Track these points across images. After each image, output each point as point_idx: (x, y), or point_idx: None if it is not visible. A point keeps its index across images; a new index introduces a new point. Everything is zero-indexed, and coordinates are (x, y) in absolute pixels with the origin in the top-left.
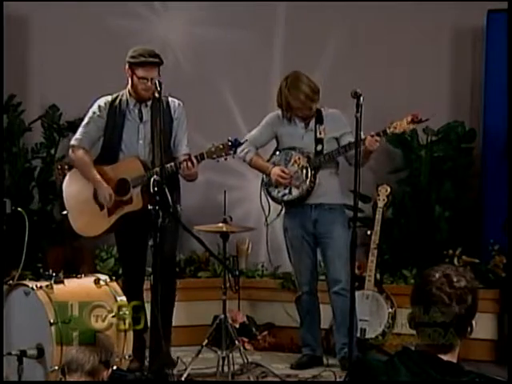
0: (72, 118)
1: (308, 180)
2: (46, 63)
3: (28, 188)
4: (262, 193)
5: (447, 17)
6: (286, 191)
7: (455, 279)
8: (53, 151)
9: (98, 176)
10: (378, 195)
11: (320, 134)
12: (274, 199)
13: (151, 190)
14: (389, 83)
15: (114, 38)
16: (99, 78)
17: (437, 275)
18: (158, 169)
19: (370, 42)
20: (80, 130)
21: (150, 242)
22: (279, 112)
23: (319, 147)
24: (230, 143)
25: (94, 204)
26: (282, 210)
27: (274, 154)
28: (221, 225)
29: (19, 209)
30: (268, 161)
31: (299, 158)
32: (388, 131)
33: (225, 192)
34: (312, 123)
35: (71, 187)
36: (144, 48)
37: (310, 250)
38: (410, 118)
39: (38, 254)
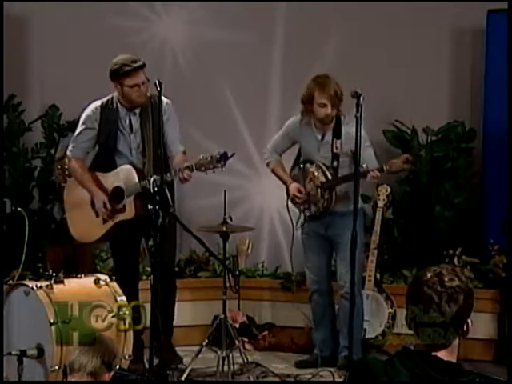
0: (72, 118)
1: (323, 199)
2: (46, 63)
3: (28, 188)
4: (289, 201)
5: (447, 17)
6: (306, 205)
7: (447, 278)
8: (53, 151)
9: (93, 185)
10: (378, 195)
11: (336, 148)
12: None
13: (151, 190)
14: (389, 83)
15: (115, 38)
16: (99, 78)
17: (429, 274)
18: (150, 178)
19: (369, 41)
20: (72, 140)
21: (151, 242)
22: (299, 117)
23: (335, 163)
24: (218, 156)
25: (90, 210)
26: (299, 218)
27: (294, 165)
28: (221, 225)
29: (19, 209)
30: (291, 170)
31: (315, 176)
32: (384, 168)
33: (225, 192)
34: (329, 135)
35: (71, 192)
36: (123, 57)
37: (321, 251)
38: (404, 158)
39: (38, 254)
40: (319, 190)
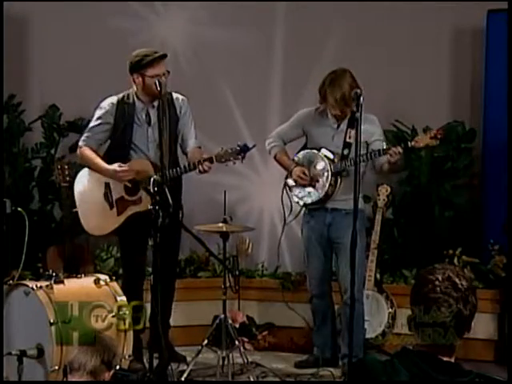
0: (72, 118)
1: (328, 184)
2: (45, 63)
3: (28, 188)
4: (284, 192)
5: (447, 17)
6: (306, 193)
7: (457, 280)
8: (53, 151)
9: (103, 162)
10: (378, 195)
11: (349, 138)
12: (294, 199)
13: (151, 190)
14: (389, 83)
15: (114, 38)
16: (99, 78)
17: (440, 278)
18: (169, 171)
19: (370, 41)
20: (86, 131)
21: (150, 242)
22: (312, 109)
23: (346, 151)
24: (238, 148)
25: (104, 203)
26: (300, 212)
27: (300, 151)
28: (221, 225)
29: (19, 209)
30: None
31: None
32: (410, 145)
33: (225, 192)
34: (344, 124)
35: (81, 186)
36: (143, 50)
37: (322, 253)
38: (433, 133)
39: (38, 254)
40: (326, 174)
